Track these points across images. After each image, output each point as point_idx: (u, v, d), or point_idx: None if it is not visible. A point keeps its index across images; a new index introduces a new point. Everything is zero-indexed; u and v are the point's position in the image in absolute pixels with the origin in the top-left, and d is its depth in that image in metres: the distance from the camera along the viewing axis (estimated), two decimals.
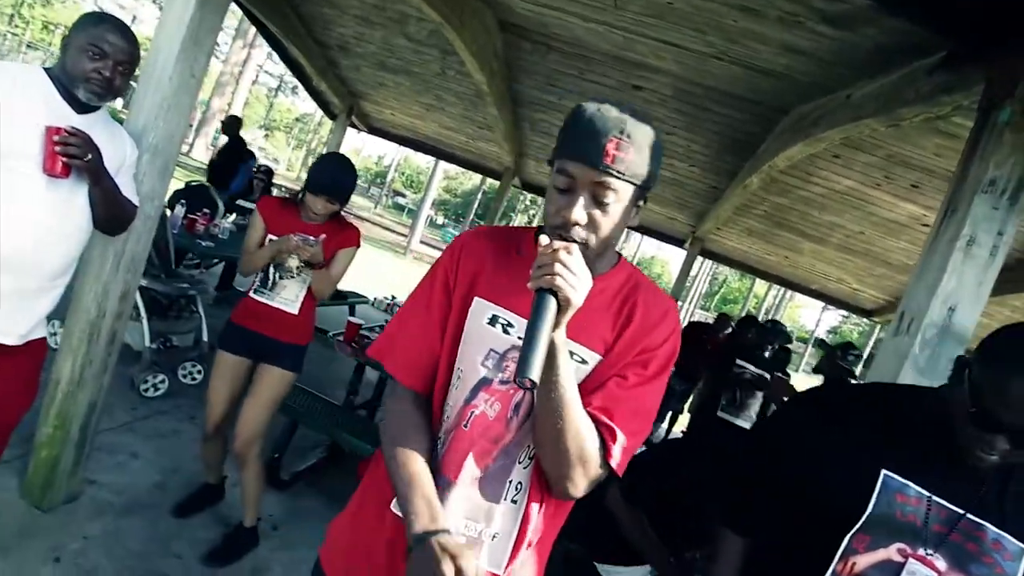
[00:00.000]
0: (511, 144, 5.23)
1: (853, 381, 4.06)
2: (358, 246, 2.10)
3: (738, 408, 4.05)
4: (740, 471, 1.21)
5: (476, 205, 37.72)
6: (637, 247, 43.83)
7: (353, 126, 6.54)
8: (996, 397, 0.87)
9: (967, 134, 2.37)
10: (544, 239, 0.76)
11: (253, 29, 17.42)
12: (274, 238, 1.95)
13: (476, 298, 0.88)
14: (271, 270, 2.00)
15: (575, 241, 0.78)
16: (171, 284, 3.06)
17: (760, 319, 4.82)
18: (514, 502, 0.86)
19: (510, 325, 0.86)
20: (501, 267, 0.90)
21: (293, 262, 1.96)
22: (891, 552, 0.94)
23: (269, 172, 5.59)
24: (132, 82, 1.62)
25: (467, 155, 6.68)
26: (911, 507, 0.94)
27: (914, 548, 0.93)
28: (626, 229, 0.87)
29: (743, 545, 1.16)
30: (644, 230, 6.89)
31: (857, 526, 0.95)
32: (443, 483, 0.85)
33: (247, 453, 2.00)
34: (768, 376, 3.94)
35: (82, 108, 1.51)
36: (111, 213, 1.61)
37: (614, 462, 0.81)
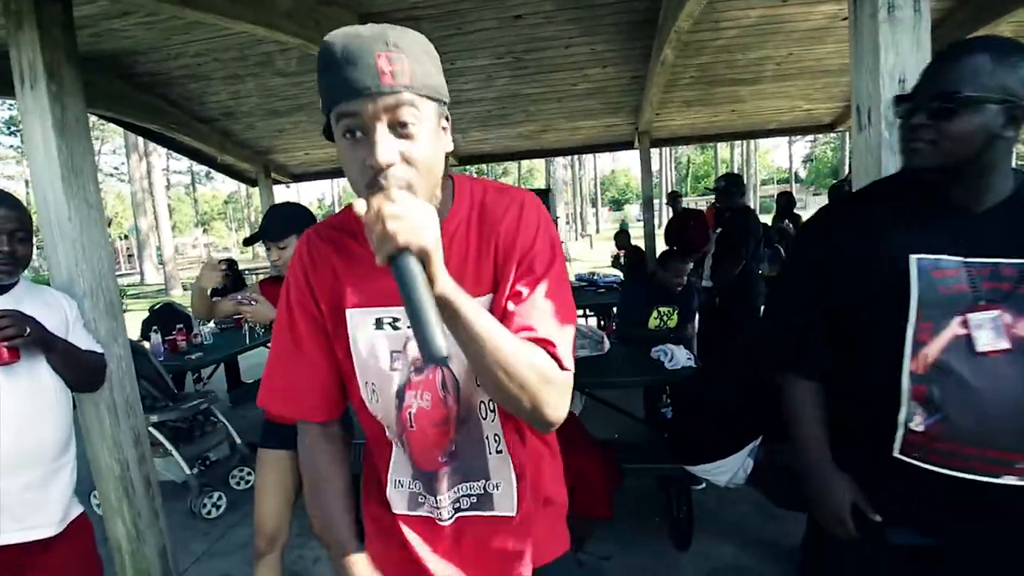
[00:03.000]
0: None
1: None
2: None
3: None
4: (786, 315, 1.17)
5: None
6: (594, 168, 43.53)
7: (277, 182, 6.39)
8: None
9: None
10: (360, 205, 0.64)
11: (142, 139, 16.91)
12: None
13: (348, 311, 0.82)
14: None
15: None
16: (179, 407, 3.03)
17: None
18: (499, 452, 0.85)
19: (395, 320, 0.81)
20: (351, 265, 0.83)
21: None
22: (954, 328, 0.91)
23: (231, 263, 5.42)
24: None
25: None
26: (952, 278, 0.92)
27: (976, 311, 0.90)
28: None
29: (816, 391, 1.12)
30: (591, 147, 6.80)
31: (912, 318, 0.93)
32: (426, 475, 0.84)
33: None
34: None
35: None
36: (80, 372, 1.56)
37: (568, 364, 0.76)
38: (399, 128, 0.67)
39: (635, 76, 4.43)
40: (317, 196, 49.56)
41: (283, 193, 6.10)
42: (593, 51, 3.94)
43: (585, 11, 3.36)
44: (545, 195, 8.81)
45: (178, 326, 3.91)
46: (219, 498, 3.00)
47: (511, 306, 0.78)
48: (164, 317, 4.19)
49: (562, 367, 0.76)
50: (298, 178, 6.73)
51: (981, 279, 0.91)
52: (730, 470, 2.22)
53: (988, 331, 0.89)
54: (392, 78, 0.65)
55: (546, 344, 0.75)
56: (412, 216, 0.62)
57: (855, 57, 1.37)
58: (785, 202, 6.32)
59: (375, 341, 0.82)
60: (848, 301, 1.01)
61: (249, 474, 3.29)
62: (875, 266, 0.97)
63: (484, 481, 0.86)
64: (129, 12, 2.75)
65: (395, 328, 0.82)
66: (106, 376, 1.68)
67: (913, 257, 0.93)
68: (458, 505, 0.86)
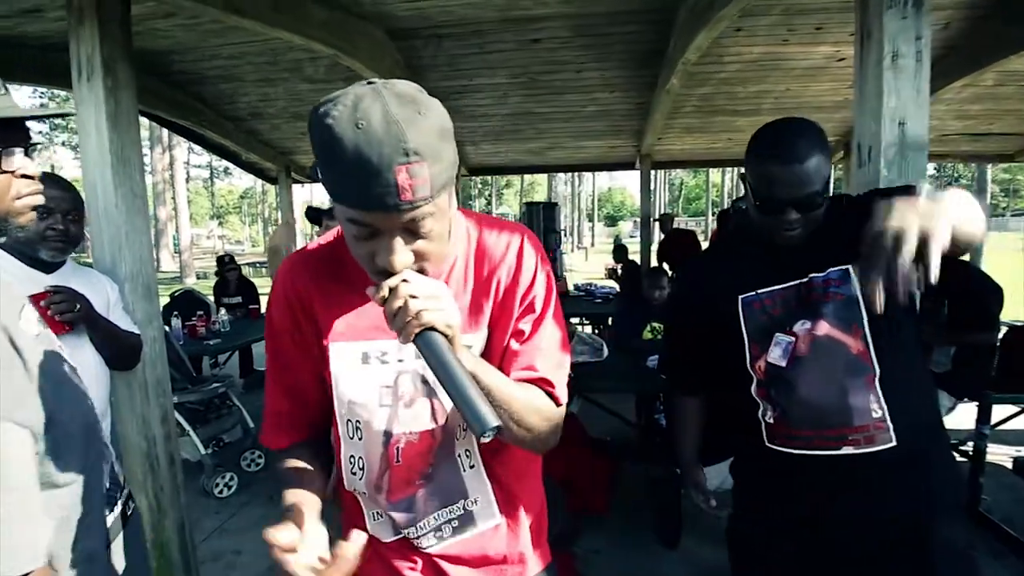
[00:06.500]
0: None
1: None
2: None
3: None
4: (667, 347, 1.35)
5: None
6: (592, 185, 43.62)
7: (296, 181, 6.40)
8: (766, 184, 1.02)
9: None
10: (372, 292, 0.60)
11: (166, 132, 16.85)
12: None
13: (332, 344, 0.74)
14: None
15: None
16: (199, 390, 3.03)
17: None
18: (472, 467, 0.79)
19: (384, 353, 0.74)
20: (338, 297, 0.75)
21: None
22: (775, 343, 1.08)
23: (230, 257, 5.31)
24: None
25: None
26: (768, 305, 1.10)
27: (789, 326, 1.07)
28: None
29: (697, 404, 1.30)
30: (594, 166, 6.84)
31: (745, 340, 1.11)
32: (403, 504, 0.78)
33: None
34: None
35: (49, 268, 1.47)
36: (119, 350, 1.57)
37: (562, 399, 0.77)
38: (414, 231, 0.61)
39: (640, 102, 4.48)
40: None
41: (299, 192, 6.12)
42: (603, 76, 3.99)
43: (599, 39, 3.40)
44: (552, 208, 8.93)
45: (198, 313, 3.91)
46: (231, 478, 2.99)
47: (514, 345, 0.76)
48: (184, 303, 4.18)
49: (558, 404, 0.77)
50: (315, 179, 6.74)
51: (793, 298, 1.07)
52: (717, 476, 2.24)
53: (800, 343, 1.05)
54: (412, 193, 0.57)
55: (545, 384, 0.75)
56: (433, 293, 0.59)
57: (858, 100, 1.41)
58: None
59: (362, 377, 0.74)
60: (706, 331, 1.17)
61: (260, 456, 3.29)
62: (717, 305, 1.14)
63: (462, 500, 0.80)
64: (173, 13, 2.77)
65: (384, 363, 0.74)
66: (142, 357, 1.70)
67: (740, 297, 1.11)
68: (440, 534, 0.79)
